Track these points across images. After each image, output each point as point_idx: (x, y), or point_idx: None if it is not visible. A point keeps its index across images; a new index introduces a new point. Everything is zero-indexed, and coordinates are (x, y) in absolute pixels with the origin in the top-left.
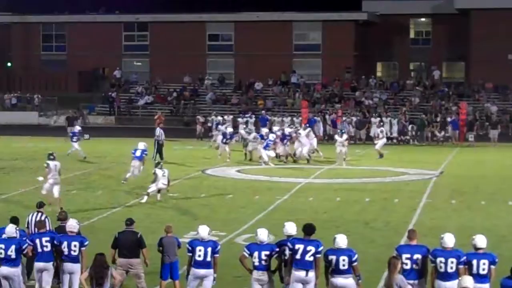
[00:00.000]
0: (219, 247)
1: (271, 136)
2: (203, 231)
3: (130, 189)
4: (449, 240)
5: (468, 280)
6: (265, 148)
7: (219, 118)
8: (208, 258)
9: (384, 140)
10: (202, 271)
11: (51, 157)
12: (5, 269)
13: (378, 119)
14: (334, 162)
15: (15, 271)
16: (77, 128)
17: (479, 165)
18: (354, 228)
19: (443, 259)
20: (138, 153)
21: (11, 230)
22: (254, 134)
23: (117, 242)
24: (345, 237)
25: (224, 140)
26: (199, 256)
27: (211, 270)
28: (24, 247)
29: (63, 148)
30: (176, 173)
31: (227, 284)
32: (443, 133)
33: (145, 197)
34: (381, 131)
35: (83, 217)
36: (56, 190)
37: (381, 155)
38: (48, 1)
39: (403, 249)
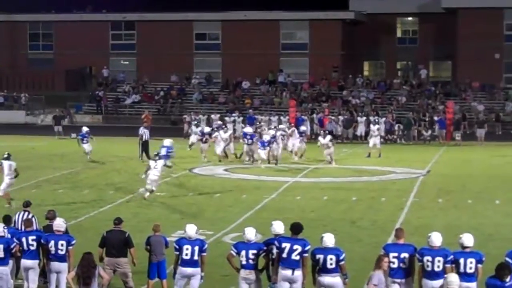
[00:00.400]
0: (206, 245)
1: (265, 138)
2: (191, 230)
3: (117, 188)
4: (436, 239)
5: (453, 278)
6: (262, 147)
7: (190, 117)
8: (195, 257)
9: (379, 137)
10: (189, 270)
11: (6, 156)
12: None
13: (364, 118)
14: (318, 162)
15: (4, 270)
16: (85, 129)
17: (466, 164)
18: (341, 227)
19: (430, 258)
20: (163, 151)
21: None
22: (226, 134)
23: (105, 241)
24: (332, 236)
25: (203, 140)
26: (186, 255)
27: (198, 269)
28: (12, 246)
29: (49, 147)
30: (164, 172)
31: (214, 283)
32: (429, 132)
33: (147, 193)
34: (378, 129)
35: (70, 216)
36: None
37: (379, 155)
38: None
39: (390, 248)
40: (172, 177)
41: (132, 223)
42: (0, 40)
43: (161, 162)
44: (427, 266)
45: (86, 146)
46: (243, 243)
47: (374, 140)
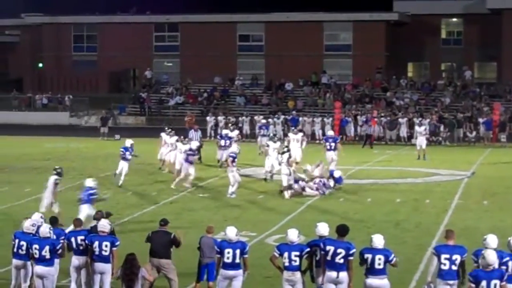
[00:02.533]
0: (247, 248)
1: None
2: (231, 233)
3: (160, 190)
4: (492, 241)
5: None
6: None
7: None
8: (237, 260)
9: (425, 138)
10: (230, 272)
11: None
12: (40, 269)
13: (406, 119)
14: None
15: (50, 270)
16: (128, 142)
17: (511, 166)
18: (385, 228)
19: None
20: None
21: (45, 230)
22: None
23: (150, 242)
24: (382, 237)
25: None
26: (228, 258)
27: (240, 271)
28: (58, 247)
29: (94, 148)
30: (207, 173)
31: (258, 284)
32: (474, 133)
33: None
34: (425, 129)
35: (113, 217)
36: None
37: (424, 157)
38: (79, 1)
39: (442, 249)
40: (215, 179)
41: (175, 224)
42: (45, 42)
43: (286, 156)
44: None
45: (123, 165)
46: (286, 245)
47: (420, 141)
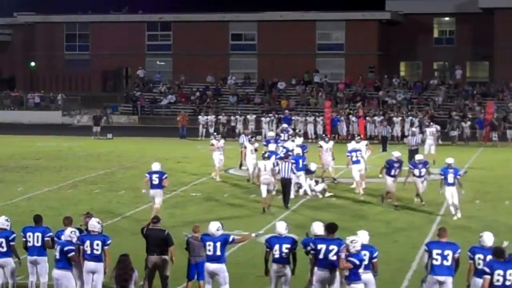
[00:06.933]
0: (230, 239)
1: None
2: (213, 227)
3: None
4: (488, 239)
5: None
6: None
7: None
8: (218, 252)
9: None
10: (211, 266)
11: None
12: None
13: (400, 118)
14: None
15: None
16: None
17: (503, 165)
18: (376, 227)
19: (482, 256)
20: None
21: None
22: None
23: (146, 238)
24: (366, 233)
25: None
26: (209, 251)
27: (223, 265)
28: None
29: (86, 147)
30: (200, 172)
31: (250, 283)
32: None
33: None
34: (435, 131)
35: (106, 216)
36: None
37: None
38: (71, 0)
39: (433, 245)
40: (208, 178)
41: (168, 224)
42: (37, 41)
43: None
44: (479, 264)
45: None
46: (276, 237)
47: (429, 146)
